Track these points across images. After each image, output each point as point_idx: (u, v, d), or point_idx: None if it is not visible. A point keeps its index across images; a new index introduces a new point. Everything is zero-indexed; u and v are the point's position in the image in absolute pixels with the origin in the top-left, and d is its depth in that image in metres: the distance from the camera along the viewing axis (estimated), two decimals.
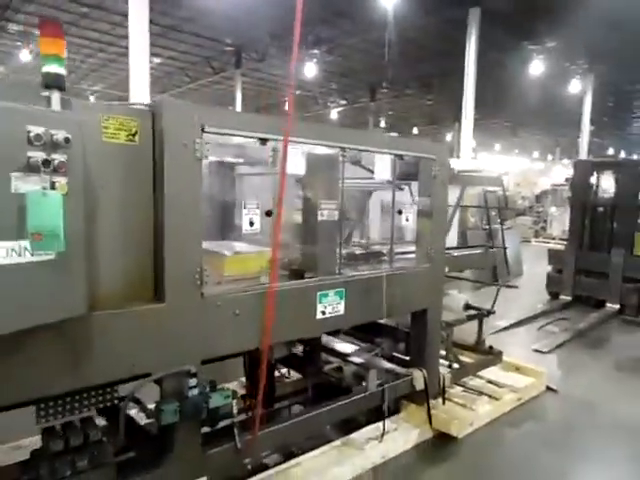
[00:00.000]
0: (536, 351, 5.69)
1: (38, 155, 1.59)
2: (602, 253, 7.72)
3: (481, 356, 4.52)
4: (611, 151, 36.63)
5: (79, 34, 15.72)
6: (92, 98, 24.23)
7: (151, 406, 2.38)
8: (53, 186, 1.63)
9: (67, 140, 1.65)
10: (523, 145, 36.42)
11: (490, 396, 4.14)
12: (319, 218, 2.93)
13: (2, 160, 1.51)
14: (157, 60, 18.58)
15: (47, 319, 1.70)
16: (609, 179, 8.39)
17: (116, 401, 2.23)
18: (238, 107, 21.16)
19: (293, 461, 3.14)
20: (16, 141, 1.55)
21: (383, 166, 3.22)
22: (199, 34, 16.45)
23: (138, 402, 2.41)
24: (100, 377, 2.10)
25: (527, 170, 29.46)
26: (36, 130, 1.58)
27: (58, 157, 1.64)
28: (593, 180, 8.23)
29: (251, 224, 2.60)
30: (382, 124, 29.51)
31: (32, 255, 1.59)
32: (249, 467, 2.74)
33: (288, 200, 2.83)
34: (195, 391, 2.31)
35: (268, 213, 2.62)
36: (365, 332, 4.01)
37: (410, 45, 14.93)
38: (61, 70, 1.86)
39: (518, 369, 4.76)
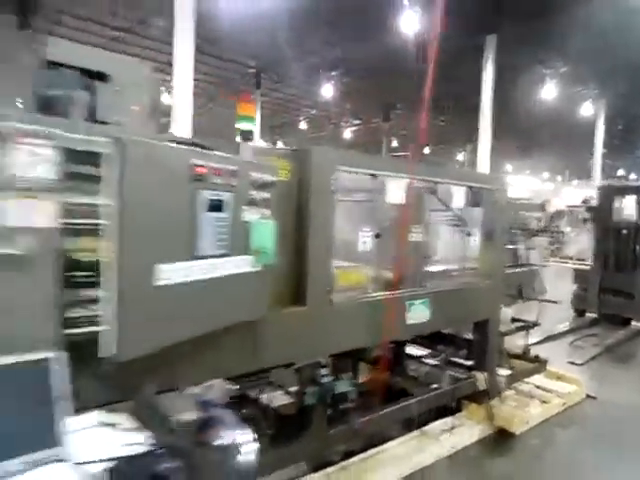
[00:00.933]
0: (571, 363, 6.16)
1: (257, 194, 2.16)
2: (627, 274, 8.20)
3: (528, 364, 5.02)
4: (621, 172, 37.19)
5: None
6: None
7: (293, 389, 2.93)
8: (263, 216, 2.20)
9: (273, 183, 2.24)
10: (533, 166, 37.01)
11: (540, 400, 4.63)
12: (410, 239, 3.49)
13: (240, 198, 2.08)
14: None
15: (253, 317, 2.26)
16: (631, 203, 8.85)
17: (267, 384, 2.77)
18: (257, 125, 21.93)
19: (378, 448, 3.64)
20: (247, 184, 2.12)
21: (459, 196, 3.80)
22: (221, 57, 17.11)
23: (280, 386, 2.95)
24: (263, 364, 2.64)
25: (540, 191, 30.04)
26: (256, 176, 2.16)
27: (266, 194, 2.22)
28: (617, 204, 8.73)
29: (364, 244, 3.16)
30: (394, 144, 30.17)
31: (252, 266, 2.15)
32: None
33: (381, 224, 3.41)
34: (327, 378, 2.86)
35: (377, 235, 3.18)
36: (428, 339, 4.53)
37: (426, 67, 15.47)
38: (251, 127, 2.46)
39: (559, 378, 5.25)
